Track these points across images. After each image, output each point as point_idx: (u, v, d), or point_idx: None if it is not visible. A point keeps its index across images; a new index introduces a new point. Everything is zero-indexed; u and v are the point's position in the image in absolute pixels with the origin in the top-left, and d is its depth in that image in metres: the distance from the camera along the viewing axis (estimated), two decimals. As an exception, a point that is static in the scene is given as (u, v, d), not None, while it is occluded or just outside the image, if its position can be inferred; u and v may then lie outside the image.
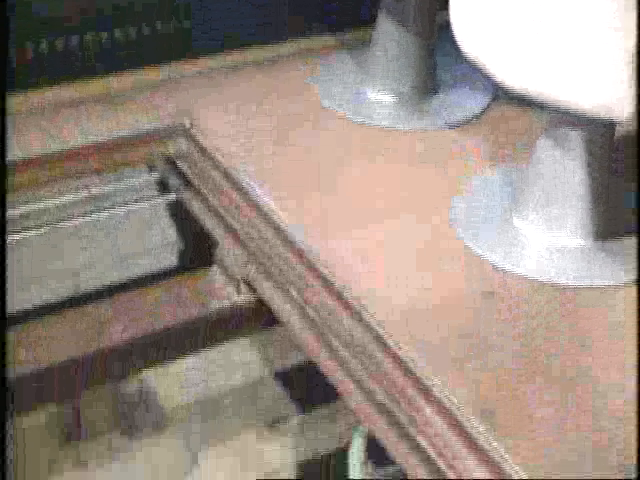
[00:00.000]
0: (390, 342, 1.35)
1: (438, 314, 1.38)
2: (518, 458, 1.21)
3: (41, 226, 1.83)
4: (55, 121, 1.79)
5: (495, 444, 1.23)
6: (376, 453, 1.69)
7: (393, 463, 1.63)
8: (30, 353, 1.53)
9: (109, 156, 1.78)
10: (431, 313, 1.38)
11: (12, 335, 1.50)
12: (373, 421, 1.37)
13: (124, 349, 1.58)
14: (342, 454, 1.71)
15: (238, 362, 2.26)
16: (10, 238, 1.75)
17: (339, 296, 1.44)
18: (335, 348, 1.43)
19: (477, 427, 1.25)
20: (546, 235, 1.47)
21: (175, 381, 2.23)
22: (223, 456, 2.17)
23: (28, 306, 1.98)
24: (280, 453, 2.19)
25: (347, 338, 1.42)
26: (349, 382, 1.41)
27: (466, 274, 1.44)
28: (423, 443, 1.30)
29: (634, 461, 1.11)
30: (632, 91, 1.24)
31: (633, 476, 1.09)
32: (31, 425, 2.11)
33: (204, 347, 1.66)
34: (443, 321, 1.36)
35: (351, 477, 1.49)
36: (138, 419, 2.20)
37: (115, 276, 2.02)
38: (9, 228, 1.75)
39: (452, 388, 1.28)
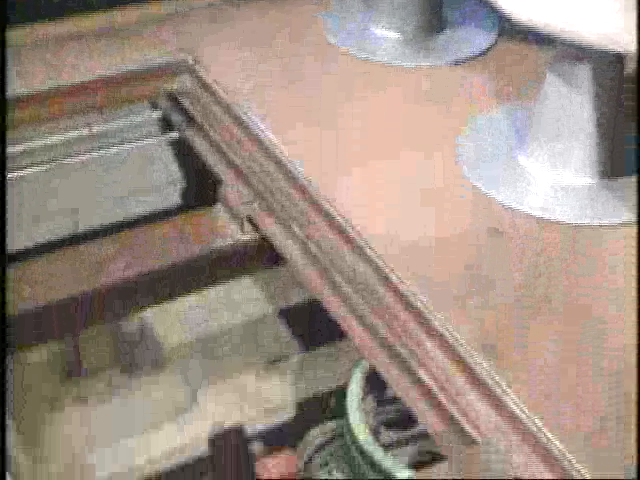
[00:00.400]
0: (392, 277, 1.35)
1: (442, 250, 1.37)
2: (520, 392, 1.22)
3: (43, 163, 1.82)
4: (59, 55, 1.77)
5: (497, 378, 1.24)
6: (376, 390, 1.70)
7: (392, 401, 1.64)
8: (31, 290, 1.53)
9: (112, 92, 1.76)
10: (434, 249, 1.38)
11: (13, 272, 1.49)
12: (375, 356, 1.37)
13: (126, 287, 1.57)
14: (342, 392, 1.71)
15: (239, 301, 2.27)
16: (10, 175, 1.73)
17: (341, 232, 1.43)
18: (338, 284, 1.43)
19: (479, 362, 1.26)
20: (551, 173, 1.46)
21: (175, 320, 2.24)
22: (223, 394, 2.19)
23: (29, 244, 1.98)
24: (280, 391, 2.20)
25: (350, 274, 1.41)
26: (351, 318, 1.41)
27: (471, 211, 1.44)
28: (425, 377, 1.31)
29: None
30: (636, 22, 1.23)
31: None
32: (32, 362, 2.12)
33: (207, 285, 1.65)
34: (446, 257, 1.36)
35: (349, 413, 1.50)
36: (138, 357, 2.21)
37: (118, 214, 2.03)
38: (10, 165, 1.74)
39: (454, 323, 1.29)
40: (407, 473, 1.38)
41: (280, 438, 1.96)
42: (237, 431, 2.08)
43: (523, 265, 1.35)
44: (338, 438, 1.60)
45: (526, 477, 1.18)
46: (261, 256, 1.59)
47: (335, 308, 1.43)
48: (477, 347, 1.26)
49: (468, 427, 1.25)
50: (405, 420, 1.52)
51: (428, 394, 1.31)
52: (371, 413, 1.54)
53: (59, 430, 2.13)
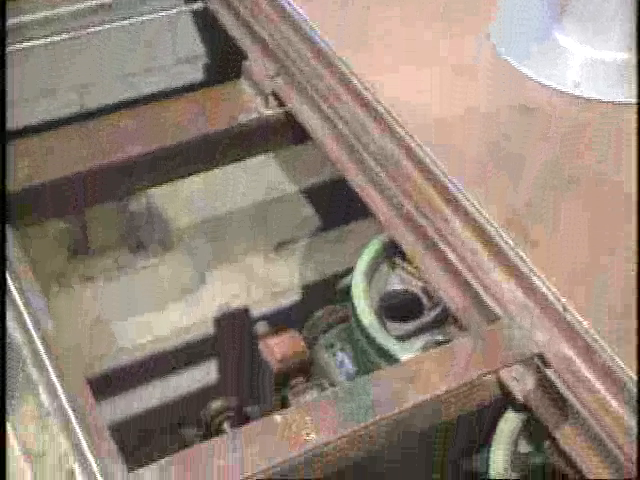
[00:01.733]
0: (420, 153, 1.34)
1: (471, 127, 1.36)
2: (546, 270, 1.22)
3: (56, 34, 1.78)
4: None
5: (524, 256, 1.24)
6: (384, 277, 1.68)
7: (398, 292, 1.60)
8: (43, 165, 1.50)
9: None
10: (464, 126, 1.36)
11: (22, 147, 1.46)
12: (400, 233, 1.37)
13: (148, 161, 1.56)
14: (348, 275, 1.70)
15: (248, 183, 2.25)
16: (19, 46, 1.69)
17: (369, 107, 1.42)
18: (364, 161, 1.42)
19: (507, 240, 1.26)
20: (587, 48, 1.42)
21: (184, 201, 2.21)
22: (230, 276, 2.18)
23: (33, 120, 1.93)
24: (287, 274, 2.19)
25: (377, 150, 1.40)
26: (377, 196, 1.41)
27: (502, 87, 1.41)
28: (450, 255, 1.31)
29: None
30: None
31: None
32: (39, 238, 2.11)
33: (229, 162, 1.63)
34: (476, 134, 1.35)
35: (354, 296, 1.48)
36: (145, 237, 2.20)
37: (139, 88, 1.98)
38: (18, 36, 1.70)
39: (482, 201, 1.29)
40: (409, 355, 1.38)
41: (286, 320, 1.97)
42: (242, 312, 2.08)
43: (553, 143, 1.34)
44: (344, 320, 1.60)
45: (549, 353, 1.20)
46: (285, 132, 1.57)
47: (361, 186, 1.42)
48: (505, 225, 1.26)
49: (492, 304, 1.27)
50: (412, 312, 1.52)
51: (452, 271, 1.32)
52: (376, 298, 1.53)
53: (67, 306, 2.13)
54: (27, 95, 1.92)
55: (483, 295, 1.28)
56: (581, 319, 1.17)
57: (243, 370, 1.72)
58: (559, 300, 1.20)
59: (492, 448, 1.24)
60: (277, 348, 1.48)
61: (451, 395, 1.21)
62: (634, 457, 1.09)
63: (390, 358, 1.39)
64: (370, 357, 1.44)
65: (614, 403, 1.14)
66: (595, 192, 1.29)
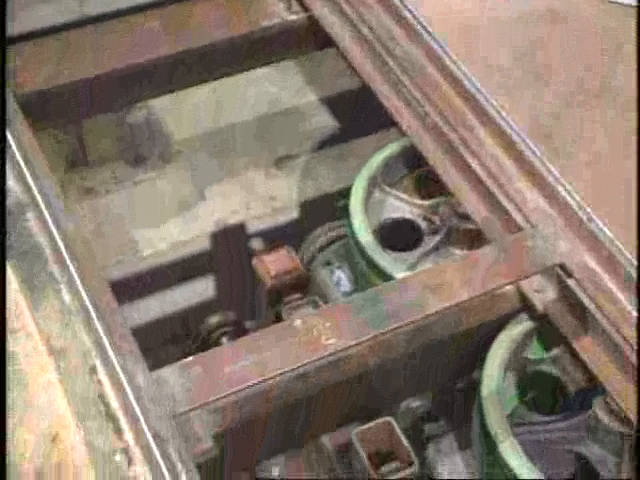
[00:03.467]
0: (447, 60, 1.32)
1: (500, 34, 1.34)
2: (571, 180, 1.21)
3: None
4: None
5: (549, 166, 1.23)
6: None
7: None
8: (57, 66, 1.47)
9: None
10: (492, 33, 1.34)
11: (26, 51, 1.44)
12: (424, 144, 1.36)
13: (170, 64, 1.54)
14: (347, 193, 1.66)
15: (252, 97, 2.20)
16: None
17: (395, 12, 1.39)
18: (389, 68, 1.40)
19: (532, 149, 1.24)
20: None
21: (186, 114, 2.17)
22: (230, 191, 2.15)
23: (45, 24, 1.88)
24: (287, 190, 2.16)
25: (403, 58, 1.38)
26: (402, 105, 1.39)
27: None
28: (473, 164, 1.30)
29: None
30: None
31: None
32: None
33: (251, 67, 1.61)
34: (504, 42, 1.33)
35: (352, 213, 1.44)
36: (144, 150, 2.15)
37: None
38: None
39: (509, 111, 1.27)
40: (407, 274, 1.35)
41: (285, 237, 1.94)
42: (241, 228, 2.06)
43: (583, 52, 1.32)
44: (342, 238, 1.57)
45: (571, 263, 1.19)
46: (308, 38, 1.55)
47: (385, 94, 1.40)
48: (531, 135, 1.25)
49: (515, 214, 1.26)
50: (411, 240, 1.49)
51: (475, 180, 1.31)
52: (373, 220, 1.49)
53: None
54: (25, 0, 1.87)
55: (506, 205, 1.27)
56: (605, 229, 1.16)
57: (241, 286, 1.70)
58: (583, 210, 1.19)
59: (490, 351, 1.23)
60: (271, 265, 1.45)
61: (472, 304, 1.21)
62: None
63: (387, 277, 1.37)
64: (367, 276, 1.42)
65: (635, 314, 1.13)
66: (623, 103, 1.27)
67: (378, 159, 1.50)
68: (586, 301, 1.16)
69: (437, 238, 1.42)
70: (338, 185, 1.99)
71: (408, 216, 1.48)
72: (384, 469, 1.18)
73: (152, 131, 2.14)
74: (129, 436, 0.96)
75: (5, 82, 1.32)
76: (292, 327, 1.11)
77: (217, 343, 1.61)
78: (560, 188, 1.21)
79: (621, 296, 1.15)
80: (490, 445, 1.13)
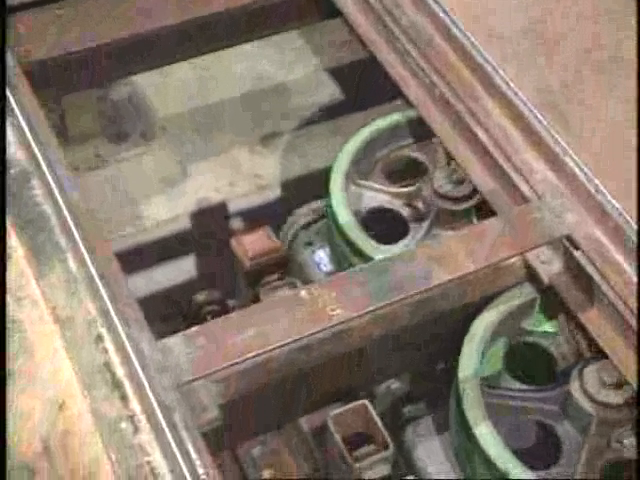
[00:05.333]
0: (454, 30, 1.31)
1: (510, 6, 1.33)
2: (579, 152, 1.20)
3: None
4: None
5: (557, 137, 1.22)
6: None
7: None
8: (59, 37, 1.45)
9: None
10: (502, 4, 1.33)
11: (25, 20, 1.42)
12: (432, 115, 1.35)
13: (174, 33, 1.52)
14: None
15: (238, 73, 2.18)
16: None
17: (403, -18, 1.38)
18: (396, 38, 1.39)
19: (540, 120, 1.24)
20: None
21: (171, 90, 2.14)
22: (215, 169, 2.12)
23: None
24: (272, 168, 2.14)
25: (409, 27, 1.37)
26: (409, 76, 1.38)
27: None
28: (480, 134, 1.29)
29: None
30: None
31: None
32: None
33: (254, 38, 1.60)
34: (514, 13, 1.31)
35: (332, 193, 1.41)
36: (128, 126, 2.13)
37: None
38: None
39: (517, 81, 1.26)
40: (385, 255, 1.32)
41: (269, 215, 1.91)
42: (224, 207, 2.04)
43: (592, 23, 1.30)
44: (324, 217, 1.54)
45: (578, 235, 1.18)
46: (311, 8, 1.53)
47: (391, 65, 1.39)
48: (539, 106, 1.24)
49: (522, 185, 1.25)
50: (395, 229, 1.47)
51: (482, 151, 1.30)
52: (354, 196, 1.46)
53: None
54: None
55: (513, 176, 1.26)
56: (613, 201, 1.15)
57: (224, 264, 1.69)
58: (591, 181, 1.18)
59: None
60: (250, 246, 1.43)
61: (477, 276, 1.20)
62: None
63: (367, 258, 1.35)
64: (347, 256, 1.40)
65: (642, 285, 1.13)
66: (632, 74, 1.26)
67: (349, 150, 1.47)
68: (593, 273, 1.15)
69: (426, 223, 1.40)
70: (325, 163, 1.97)
71: (388, 206, 1.46)
72: (359, 452, 1.17)
73: (136, 107, 2.11)
74: (135, 404, 0.96)
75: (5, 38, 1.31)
76: (298, 298, 1.10)
77: (205, 320, 1.59)
78: (568, 159, 1.21)
79: (628, 268, 1.14)
80: (466, 427, 1.13)
